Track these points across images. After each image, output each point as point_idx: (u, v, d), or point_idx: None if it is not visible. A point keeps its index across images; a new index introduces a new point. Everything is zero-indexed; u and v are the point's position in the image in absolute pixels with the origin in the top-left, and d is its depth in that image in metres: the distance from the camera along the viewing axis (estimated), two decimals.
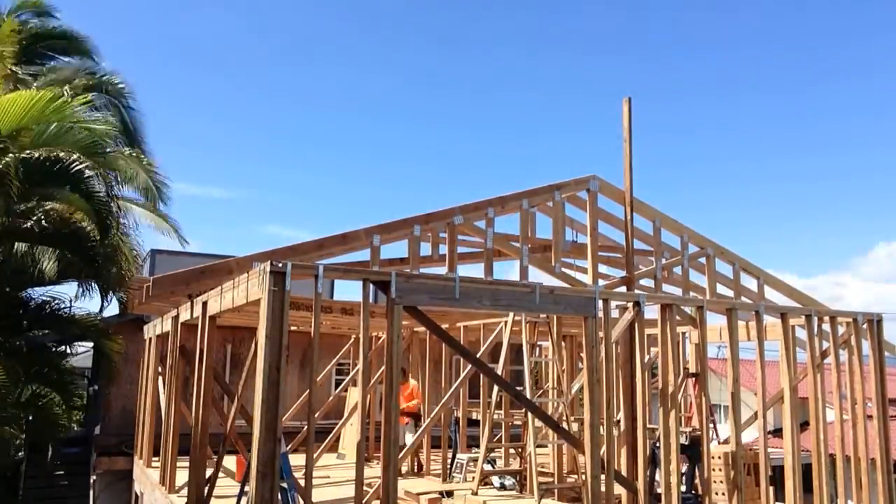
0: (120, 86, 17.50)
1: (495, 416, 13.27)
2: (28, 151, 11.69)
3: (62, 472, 17.34)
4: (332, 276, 7.50)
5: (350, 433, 15.81)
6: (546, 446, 11.64)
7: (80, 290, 14.22)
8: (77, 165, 11.88)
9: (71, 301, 15.01)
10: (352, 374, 15.62)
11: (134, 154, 16.10)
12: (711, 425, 11.20)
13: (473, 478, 11.37)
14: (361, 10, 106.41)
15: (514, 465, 13.01)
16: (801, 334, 11.18)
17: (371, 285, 7.46)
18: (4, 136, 10.78)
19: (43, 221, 13.32)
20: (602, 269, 11.69)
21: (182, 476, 10.63)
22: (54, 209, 13.59)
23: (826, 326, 11.25)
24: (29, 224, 13.25)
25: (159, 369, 13.07)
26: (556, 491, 10.62)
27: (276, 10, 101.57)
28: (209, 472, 9.55)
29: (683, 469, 10.35)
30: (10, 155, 11.10)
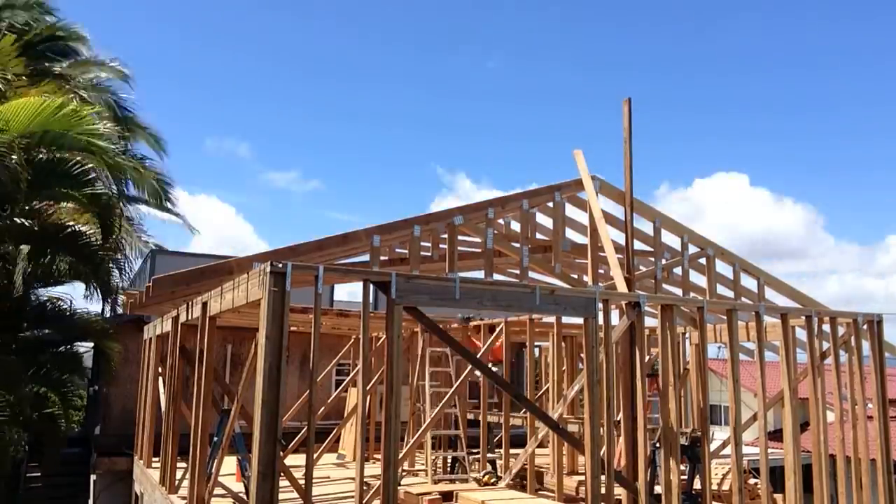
0: (118, 80, 17.52)
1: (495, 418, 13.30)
2: (32, 153, 11.74)
3: (62, 472, 17.33)
4: (333, 277, 7.50)
5: (350, 433, 15.82)
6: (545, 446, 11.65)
7: (87, 290, 14.26)
8: (81, 167, 11.93)
9: (71, 301, 15.06)
10: (352, 374, 15.61)
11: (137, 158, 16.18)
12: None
13: (473, 478, 11.39)
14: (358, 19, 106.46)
15: (515, 466, 13.01)
16: (801, 335, 11.18)
17: (371, 286, 7.46)
18: (11, 140, 10.83)
19: (47, 221, 13.36)
20: (602, 269, 11.70)
21: (182, 476, 10.65)
22: (57, 210, 13.63)
23: (826, 327, 11.24)
24: (31, 223, 13.28)
25: (159, 369, 13.06)
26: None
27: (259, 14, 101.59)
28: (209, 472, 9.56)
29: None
30: (14, 158, 11.14)
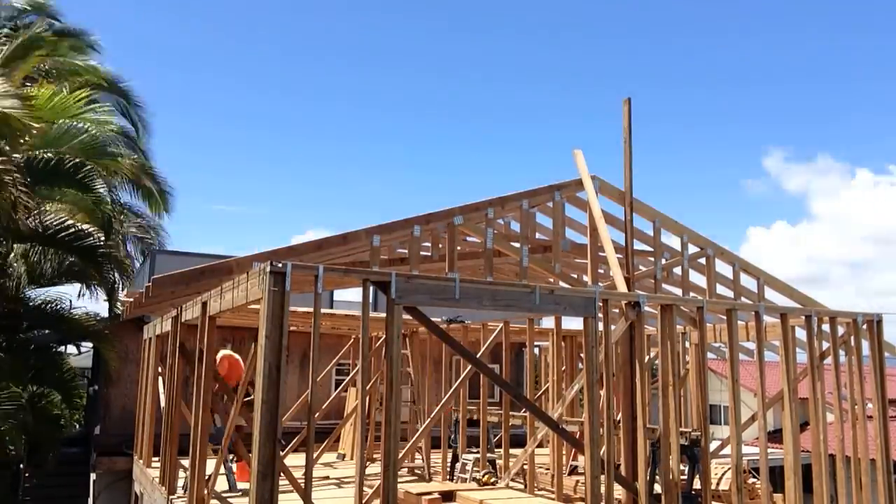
0: (124, 86, 17.59)
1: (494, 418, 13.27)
2: (32, 152, 11.77)
3: (62, 472, 17.33)
4: (332, 277, 7.49)
5: (350, 433, 15.83)
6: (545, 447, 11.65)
7: (82, 290, 14.27)
8: (81, 166, 11.96)
9: (71, 302, 15.08)
10: (352, 374, 15.62)
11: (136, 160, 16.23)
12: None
13: (473, 478, 11.38)
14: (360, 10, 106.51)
15: (514, 466, 13.01)
16: (801, 335, 11.18)
17: (371, 285, 7.46)
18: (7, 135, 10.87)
19: (49, 221, 13.39)
20: (602, 269, 11.69)
21: (182, 476, 10.65)
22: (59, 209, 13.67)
23: (826, 327, 11.24)
24: (33, 224, 13.30)
25: (159, 369, 13.06)
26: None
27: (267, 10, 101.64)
28: (209, 472, 9.56)
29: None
30: (15, 154, 11.18)
